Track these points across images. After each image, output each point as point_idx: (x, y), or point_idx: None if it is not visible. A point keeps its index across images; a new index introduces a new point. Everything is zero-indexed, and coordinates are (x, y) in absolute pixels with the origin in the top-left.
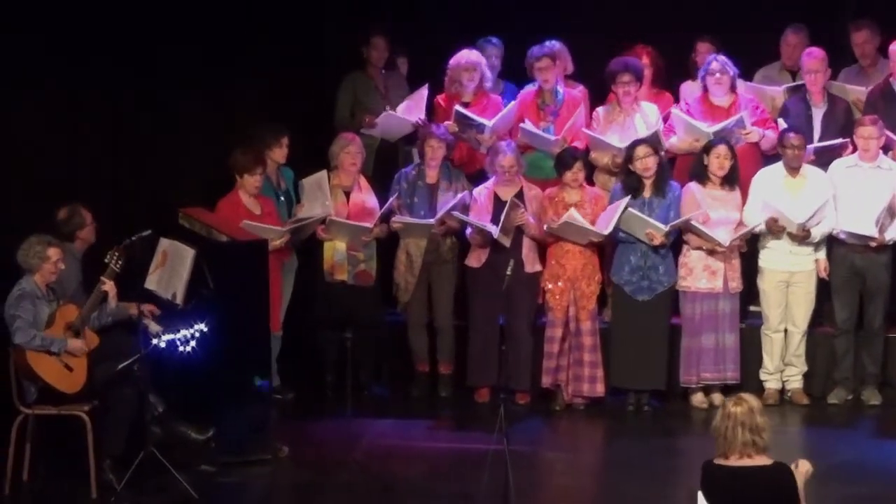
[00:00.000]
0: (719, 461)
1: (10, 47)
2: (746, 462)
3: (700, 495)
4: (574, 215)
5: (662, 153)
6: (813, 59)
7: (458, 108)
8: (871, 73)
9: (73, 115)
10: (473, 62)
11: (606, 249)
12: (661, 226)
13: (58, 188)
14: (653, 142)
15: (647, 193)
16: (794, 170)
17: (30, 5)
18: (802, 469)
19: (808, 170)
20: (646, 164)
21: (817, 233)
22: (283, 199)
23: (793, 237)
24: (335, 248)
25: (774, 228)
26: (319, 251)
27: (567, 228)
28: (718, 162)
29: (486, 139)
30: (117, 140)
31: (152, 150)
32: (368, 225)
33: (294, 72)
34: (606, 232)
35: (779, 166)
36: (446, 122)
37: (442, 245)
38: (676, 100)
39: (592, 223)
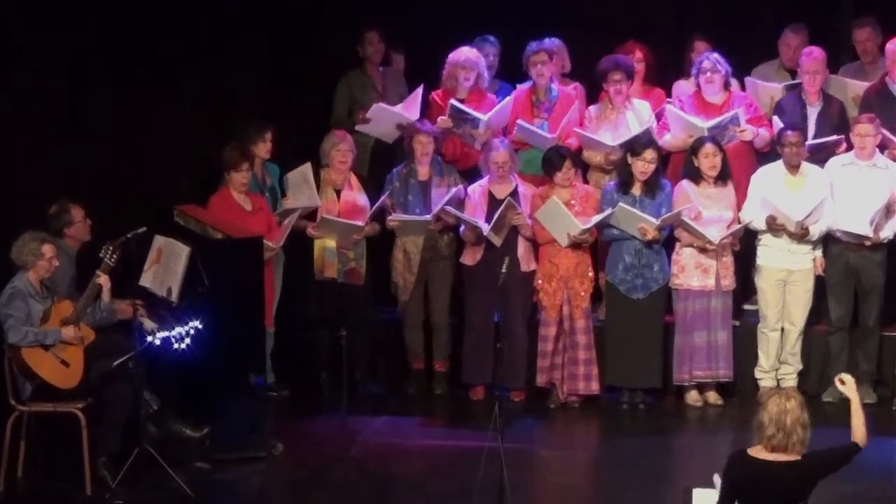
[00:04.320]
0: (755, 454)
1: (8, 47)
2: (783, 457)
3: (717, 479)
4: (558, 201)
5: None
6: (812, 59)
7: (453, 101)
8: (872, 71)
9: (70, 113)
10: (472, 61)
11: (600, 248)
12: (653, 220)
13: (55, 186)
14: (658, 145)
15: (637, 191)
16: (793, 168)
17: (28, 6)
18: (848, 382)
19: (808, 168)
20: (648, 168)
21: (816, 231)
22: (267, 195)
23: (791, 235)
24: (325, 246)
25: (774, 226)
26: (309, 249)
27: (550, 213)
28: (708, 161)
29: (481, 134)
30: (114, 138)
31: (149, 147)
32: (360, 223)
33: (291, 70)
34: (584, 226)
35: (778, 164)
36: (441, 117)
37: (439, 241)
38: (668, 96)
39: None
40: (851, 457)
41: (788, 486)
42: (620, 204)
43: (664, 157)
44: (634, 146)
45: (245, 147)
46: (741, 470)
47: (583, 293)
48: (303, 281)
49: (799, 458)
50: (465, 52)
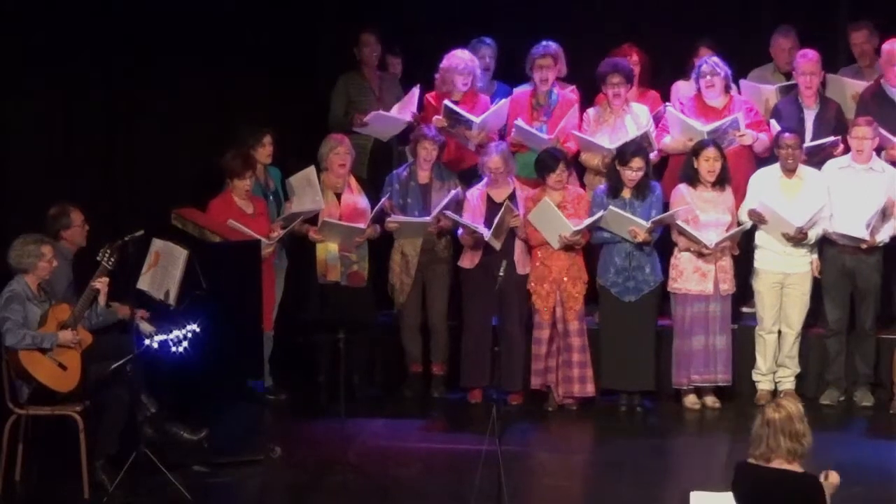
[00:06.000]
0: (754, 461)
1: (5, 49)
2: (783, 465)
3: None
4: (550, 202)
5: (652, 154)
6: (807, 60)
7: (447, 103)
8: (868, 74)
9: (67, 117)
10: (469, 66)
11: (594, 251)
12: (644, 222)
13: (53, 189)
14: (646, 153)
15: (626, 194)
16: (789, 171)
17: (26, 7)
18: (832, 480)
19: (805, 171)
20: (636, 176)
21: (812, 234)
22: (271, 199)
23: (789, 238)
24: (327, 249)
25: (759, 221)
26: (311, 252)
27: (542, 215)
28: (708, 165)
29: (475, 135)
30: (111, 141)
31: (146, 151)
32: (362, 226)
33: (288, 74)
34: (575, 227)
35: (775, 167)
36: (436, 117)
37: (437, 244)
38: (663, 98)
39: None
40: None
41: (791, 495)
42: (610, 207)
43: (663, 160)
44: (622, 155)
45: (248, 155)
46: (746, 479)
47: (576, 295)
48: (305, 285)
49: (800, 471)
50: (459, 57)
